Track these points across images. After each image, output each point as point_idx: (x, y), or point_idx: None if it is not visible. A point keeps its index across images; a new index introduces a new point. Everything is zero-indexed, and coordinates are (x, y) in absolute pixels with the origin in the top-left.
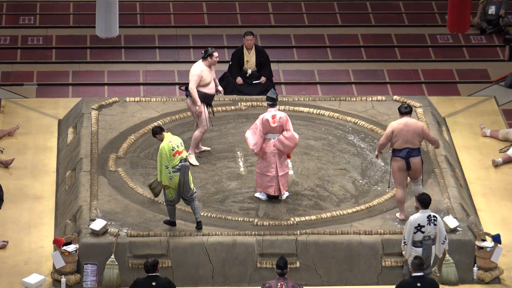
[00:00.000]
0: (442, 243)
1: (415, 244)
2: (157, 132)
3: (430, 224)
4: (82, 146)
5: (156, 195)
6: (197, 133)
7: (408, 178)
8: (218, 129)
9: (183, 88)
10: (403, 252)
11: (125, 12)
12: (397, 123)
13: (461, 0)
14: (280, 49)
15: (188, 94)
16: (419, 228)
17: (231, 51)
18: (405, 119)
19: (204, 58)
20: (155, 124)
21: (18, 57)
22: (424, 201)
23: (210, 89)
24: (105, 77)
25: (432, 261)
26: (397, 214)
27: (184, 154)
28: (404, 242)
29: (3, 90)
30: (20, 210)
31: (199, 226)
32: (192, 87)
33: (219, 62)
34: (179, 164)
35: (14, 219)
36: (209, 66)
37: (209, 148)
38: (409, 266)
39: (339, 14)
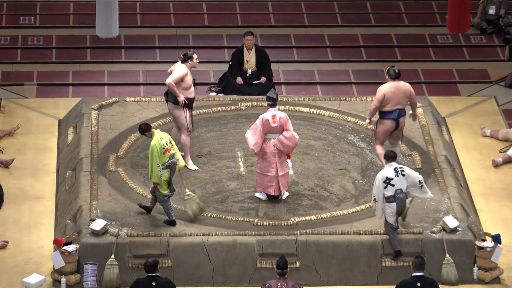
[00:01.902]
0: (421, 187)
1: (388, 199)
2: (146, 129)
3: (398, 176)
4: (82, 146)
5: (196, 215)
6: (184, 138)
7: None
8: (218, 129)
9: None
10: (376, 211)
11: (125, 12)
12: (388, 87)
13: (461, 0)
14: (280, 49)
15: (168, 100)
16: (388, 181)
17: (231, 51)
18: (396, 83)
19: (184, 61)
20: (148, 122)
21: (18, 57)
22: (388, 154)
23: (190, 93)
24: (105, 77)
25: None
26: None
27: (173, 151)
28: (374, 199)
29: (3, 90)
30: (20, 210)
31: (173, 224)
32: (168, 82)
33: (219, 62)
34: (169, 161)
35: (14, 219)
36: (189, 69)
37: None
38: (388, 225)
39: (339, 14)
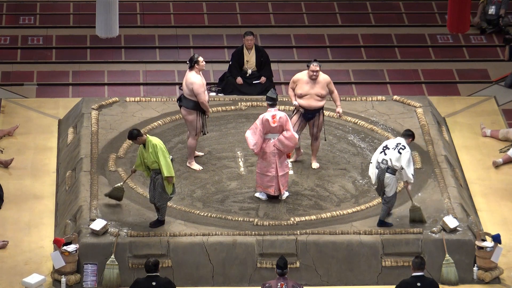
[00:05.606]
0: (400, 170)
1: (377, 165)
2: (139, 134)
3: (395, 149)
4: (82, 146)
5: (120, 198)
6: (191, 141)
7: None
8: (218, 129)
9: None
10: (370, 173)
11: (125, 12)
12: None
13: (461, 0)
14: (280, 49)
15: (182, 104)
16: (384, 149)
17: (231, 51)
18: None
19: (191, 67)
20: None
21: (18, 57)
22: (405, 132)
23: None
24: (105, 77)
25: (386, 188)
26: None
27: None
28: (371, 162)
29: (3, 90)
30: (20, 210)
31: (159, 224)
32: (205, 99)
33: (219, 62)
34: (171, 157)
35: (14, 219)
36: (199, 73)
37: (202, 153)
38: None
39: (339, 14)
